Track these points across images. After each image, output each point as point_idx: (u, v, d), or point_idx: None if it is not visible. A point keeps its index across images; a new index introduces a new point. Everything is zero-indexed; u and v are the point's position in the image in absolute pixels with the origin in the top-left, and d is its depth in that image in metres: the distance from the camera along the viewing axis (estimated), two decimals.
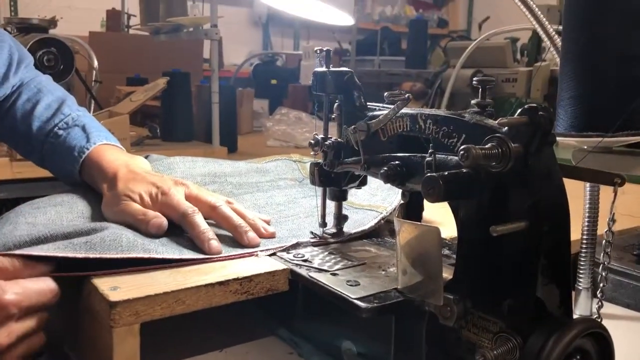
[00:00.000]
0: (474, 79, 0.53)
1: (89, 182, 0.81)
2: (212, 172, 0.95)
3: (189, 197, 0.73)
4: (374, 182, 0.95)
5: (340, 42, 4.24)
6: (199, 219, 0.69)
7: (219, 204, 0.73)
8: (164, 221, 0.69)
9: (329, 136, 0.69)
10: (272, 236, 0.72)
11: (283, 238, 0.72)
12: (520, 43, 2.56)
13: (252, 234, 0.69)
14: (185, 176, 0.90)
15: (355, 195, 0.91)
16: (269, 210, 0.84)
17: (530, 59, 2.42)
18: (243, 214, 0.73)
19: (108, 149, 0.83)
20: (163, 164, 0.92)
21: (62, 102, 0.89)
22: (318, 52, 0.68)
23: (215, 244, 0.66)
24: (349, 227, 0.75)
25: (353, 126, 0.64)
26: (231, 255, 0.65)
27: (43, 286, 0.55)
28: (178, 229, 0.70)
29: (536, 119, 0.46)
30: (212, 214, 0.72)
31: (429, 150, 0.53)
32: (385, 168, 0.56)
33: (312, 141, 0.69)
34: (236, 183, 0.93)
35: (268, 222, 0.76)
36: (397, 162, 0.56)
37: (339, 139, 0.68)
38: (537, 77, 1.91)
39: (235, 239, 0.69)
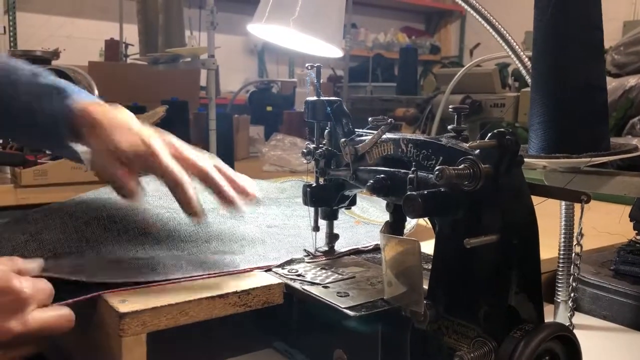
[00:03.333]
0: (450, 106, 0.59)
1: (75, 143, 0.77)
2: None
3: (175, 156, 0.71)
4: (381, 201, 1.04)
5: (335, 69, 4.33)
6: (192, 191, 0.69)
7: (209, 169, 0.72)
8: (139, 193, 0.69)
9: (320, 145, 0.74)
10: (251, 196, 0.74)
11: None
12: (512, 68, 2.63)
13: (232, 195, 0.71)
14: None
15: (367, 211, 0.98)
16: (296, 220, 0.90)
17: (521, 84, 2.49)
18: (231, 177, 0.74)
19: (89, 105, 0.77)
20: None
21: (35, 75, 0.83)
22: (309, 67, 0.73)
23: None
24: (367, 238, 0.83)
25: (344, 139, 0.69)
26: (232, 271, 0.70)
27: (47, 287, 0.58)
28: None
29: (504, 142, 0.51)
30: (199, 176, 0.72)
31: (412, 169, 0.58)
32: (372, 181, 0.62)
33: (305, 150, 0.75)
34: (260, 196, 0.99)
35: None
36: (382, 175, 0.62)
37: (329, 148, 0.73)
38: (523, 102, 1.97)
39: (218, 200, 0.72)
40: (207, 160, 0.74)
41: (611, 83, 2.03)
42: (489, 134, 0.52)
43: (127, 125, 0.73)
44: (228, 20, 2.86)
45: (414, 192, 0.53)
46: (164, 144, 0.72)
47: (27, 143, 0.87)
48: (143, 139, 0.71)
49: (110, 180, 0.70)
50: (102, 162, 0.70)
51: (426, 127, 2.44)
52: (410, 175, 0.57)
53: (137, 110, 2.26)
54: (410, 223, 0.91)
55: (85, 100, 0.79)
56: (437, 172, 0.50)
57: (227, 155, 1.87)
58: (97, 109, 0.76)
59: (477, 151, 0.52)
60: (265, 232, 0.80)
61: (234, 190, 0.72)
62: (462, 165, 0.51)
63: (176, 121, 1.86)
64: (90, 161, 0.72)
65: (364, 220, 0.95)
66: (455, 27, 6.66)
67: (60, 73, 1.65)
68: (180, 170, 0.69)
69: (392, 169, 0.63)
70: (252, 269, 0.70)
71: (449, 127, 0.58)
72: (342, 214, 0.93)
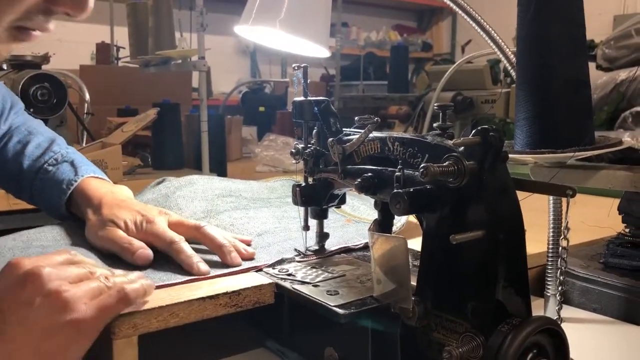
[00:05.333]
0: (435, 104, 0.59)
1: (76, 213, 0.84)
2: (228, 187, 1.02)
3: (171, 224, 0.76)
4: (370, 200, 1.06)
5: (327, 68, 4.34)
6: (185, 246, 0.72)
7: (203, 224, 0.76)
8: (150, 253, 0.72)
9: (308, 145, 0.75)
10: (251, 257, 0.75)
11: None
12: (503, 65, 2.64)
13: (235, 254, 0.73)
14: (205, 189, 0.97)
15: (358, 210, 0.99)
16: (287, 222, 0.91)
17: (512, 80, 2.49)
18: (223, 236, 0.76)
19: (94, 180, 0.86)
20: (184, 180, 1.00)
21: (52, 142, 0.93)
22: (296, 67, 0.74)
23: (202, 266, 0.69)
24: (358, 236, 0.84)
25: (331, 139, 0.70)
26: (222, 274, 0.70)
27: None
28: (160, 255, 0.73)
29: (488, 139, 0.51)
30: (196, 234, 0.75)
31: (399, 166, 0.59)
32: (359, 179, 0.62)
33: (293, 150, 0.75)
34: (250, 198, 1.01)
35: (248, 243, 0.79)
36: (370, 174, 0.62)
37: (317, 147, 0.74)
38: (514, 98, 1.98)
39: (219, 258, 0.73)
40: (202, 221, 0.79)
41: (602, 77, 2.04)
42: (473, 131, 0.52)
43: (127, 202, 0.79)
44: (219, 21, 2.86)
45: (400, 190, 0.53)
46: (160, 214, 0.77)
47: (27, 202, 0.95)
48: (139, 210, 0.77)
49: (114, 249, 0.73)
50: (104, 233, 0.74)
51: (418, 124, 2.45)
52: (397, 174, 0.58)
53: (129, 113, 2.27)
54: (401, 221, 0.91)
55: (90, 175, 0.87)
56: (421, 170, 0.50)
57: (220, 156, 1.88)
58: (101, 188, 0.83)
59: (462, 148, 0.52)
60: (255, 242, 0.80)
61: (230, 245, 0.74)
62: (447, 162, 0.51)
63: (168, 123, 1.86)
64: (93, 235, 0.76)
65: (355, 219, 0.96)
66: (446, 25, 6.68)
67: (51, 78, 1.65)
68: (173, 232, 0.74)
69: (379, 167, 0.63)
70: (244, 270, 0.71)
71: (435, 124, 0.59)
72: (333, 213, 0.94)
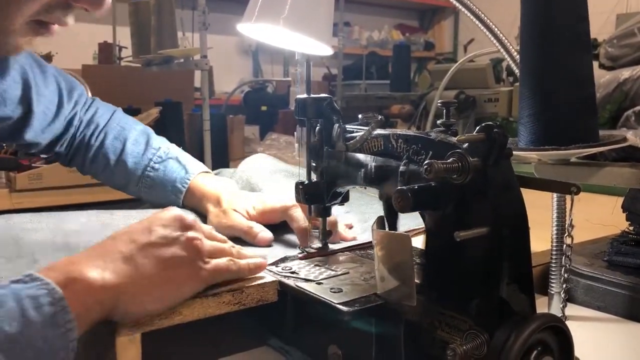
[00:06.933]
0: (439, 101, 0.59)
1: (191, 206, 0.94)
2: (288, 169, 1.10)
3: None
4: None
5: (330, 67, 4.33)
6: (300, 213, 0.80)
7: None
8: (270, 236, 0.81)
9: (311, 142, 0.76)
10: (354, 238, 0.82)
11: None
12: (506, 63, 2.63)
13: (339, 233, 0.82)
14: (272, 170, 1.07)
15: None
16: (358, 206, 0.98)
17: (515, 79, 2.49)
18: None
19: (205, 176, 0.97)
20: (250, 162, 1.11)
21: (148, 136, 1.01)
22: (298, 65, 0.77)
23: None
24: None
25: (334, 136, 0.71)
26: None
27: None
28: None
29: (492, 135, 0.51)
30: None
31: (404, 160, 0.58)
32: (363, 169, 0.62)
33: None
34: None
35: (350, 227, 0.87)
36: (374, 166, 0.63)
37: (321, 145, 0.74)
38: (517, 96, 1.97)
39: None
40: None
41: (605, 76, 2.04)
42: (477, 127, 0.52)
43: (241, 193, 0.91)
44: (222, 21, 2.86)
45: (404, 187, 0.53)
46: (270, 196, 0.88)
47: (135, 196, 1.06)
48: (253, 196, 0.88)
49: (236, 234, 0.82)
50: (227, 220, 0.84)
51: (421, 123, 2.45)
52: (401, 168, 0.58)
53: (132, 112, 2.26)
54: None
55: (199, 171, 0.97)
56: (425, 167, 0.50)
57: (222, 155, 1.88)
58: (216, 185, 0.94)
59: (466, 145, 0.52)
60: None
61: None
62: (451, 159, 0.51)
63: (170, 122, 1.86)
64: (216, 224, 0.84)
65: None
66: (449, 24, 6.66)
67: None
68: (288, 199, 0.83)
69: (383, 158, 0.63)
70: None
71: (438, 121, 0.59)
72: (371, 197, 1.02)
